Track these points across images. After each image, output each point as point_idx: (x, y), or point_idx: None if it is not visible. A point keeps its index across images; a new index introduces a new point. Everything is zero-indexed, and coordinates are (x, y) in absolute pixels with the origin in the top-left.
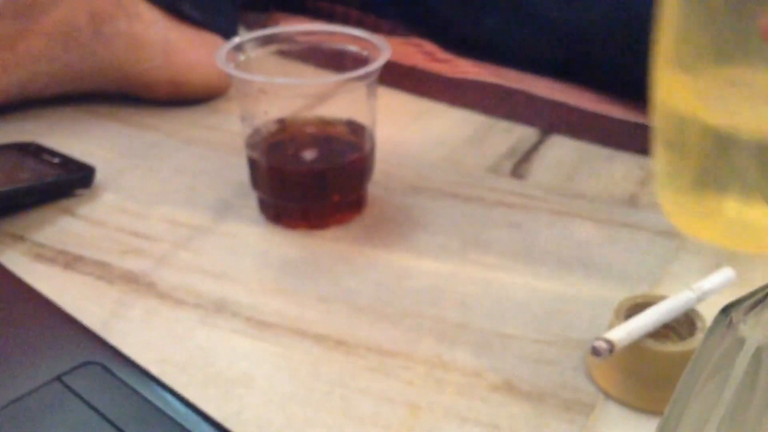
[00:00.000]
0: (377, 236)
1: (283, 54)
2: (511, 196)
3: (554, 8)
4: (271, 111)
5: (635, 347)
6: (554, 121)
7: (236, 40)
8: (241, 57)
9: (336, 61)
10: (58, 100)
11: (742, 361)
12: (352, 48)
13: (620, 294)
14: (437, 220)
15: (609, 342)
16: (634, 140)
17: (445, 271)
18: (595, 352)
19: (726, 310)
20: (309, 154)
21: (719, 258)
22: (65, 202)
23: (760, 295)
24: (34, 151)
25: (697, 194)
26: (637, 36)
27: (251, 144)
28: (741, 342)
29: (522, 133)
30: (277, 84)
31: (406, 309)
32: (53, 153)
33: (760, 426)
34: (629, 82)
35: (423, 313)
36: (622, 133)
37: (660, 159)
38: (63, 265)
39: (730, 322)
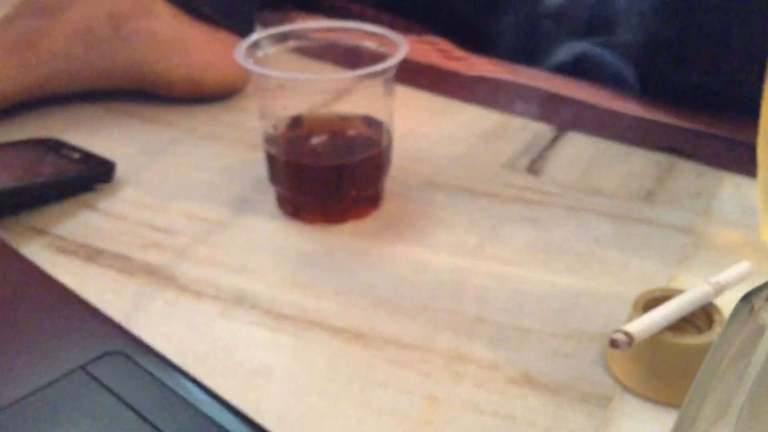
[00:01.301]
0: (394, 231)
1: (300, 51)
2: (528, 192)
3: (569, 5)
4: (289, 106)
5: (653, 340)
6: (570, 118)
7: (254, 36)
8: (259, 54)
9: (353, 57)
10: (79, 97)
11: (763, 347)
12: (369, 44)
13: (637, 289)
14: (454, 215)
15: (628, 334)
16: (651, 137)
17: (462, 266)
18: (614, 344)
19: (747, 298)
20: (326, 150)
21: (736, 254)
22: (86, 197)
23: None
24: (54, 146)
25: None
26: (655, 32)
27: (269, 139)
28: (762, 329)
29: (538, 130)
30: (295, 79)
31: (423, 302)
32: (73, 148)
33: None
34: (646, 79)
35: (440, 306)
36: (639, 130)
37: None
38: (84, 258)
39: (752, 309)
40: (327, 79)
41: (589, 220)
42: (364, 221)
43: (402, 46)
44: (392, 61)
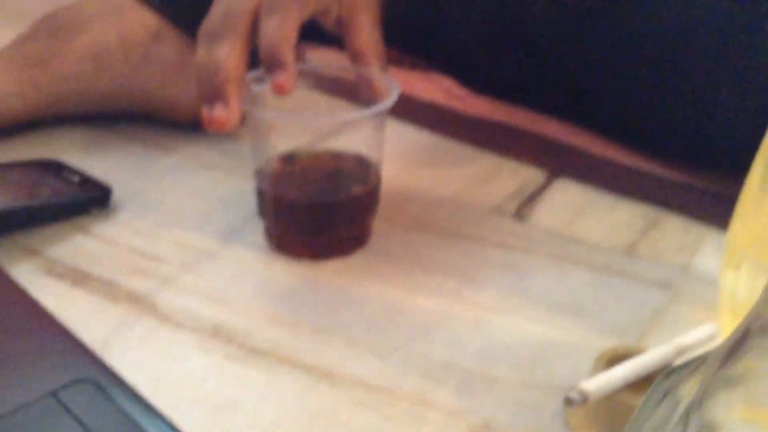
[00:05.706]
0: (377, 271)
1: (300, 83)
2: (512, 238)
3: (570, 52)
4: (280, 144)
5: (612, 398)
6: (562, 163)
7: (252, 73)
8: (255, 89)
9: (349, 92)
10: (86, 118)
11: (675, 420)
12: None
13: (607, 342)
14: (437, 258)
15: (583, 392)
16: (641, 187)
17: (438, 309)
18: (568, 401)
19: (668, 374)
20: (316, 188)
21: (710, 313)
22: (81, 220)
23: (695, 364)
24: (56, 168)
25: None
26: (654, 85)
27: (260, 174)
28: (676, 403)
29: (529, 175)
30: (285, 121)
31: (395, 344)
32: (74, 171)
33: None
34: (641, 129)
35: (412, 349)
36: (628, 179)
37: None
38: (72, 281)
39: (667, 388)
40: (315, 122)
41: (569, 269)
42: (349, 259)
43: (394, 91)
44: (382, 106)
